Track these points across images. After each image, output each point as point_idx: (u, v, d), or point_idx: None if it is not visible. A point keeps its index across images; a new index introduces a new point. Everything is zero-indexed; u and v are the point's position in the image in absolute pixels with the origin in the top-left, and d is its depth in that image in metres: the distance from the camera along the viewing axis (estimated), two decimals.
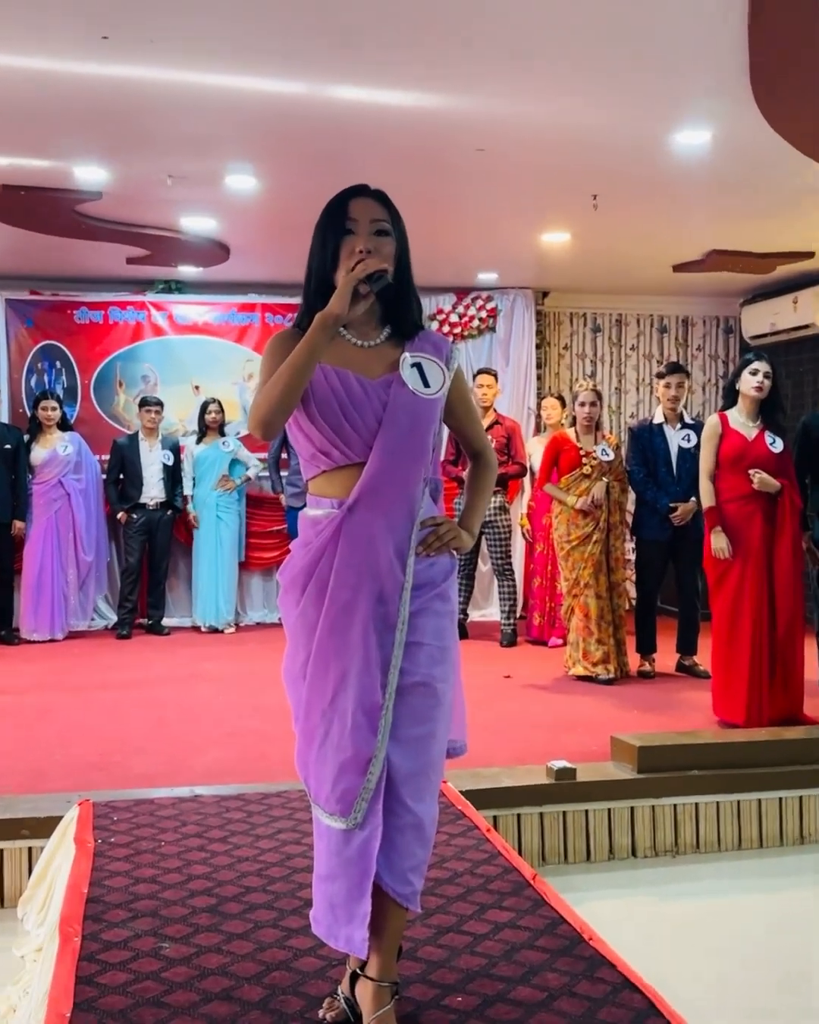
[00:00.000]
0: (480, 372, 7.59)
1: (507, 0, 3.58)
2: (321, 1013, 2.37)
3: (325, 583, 2.28)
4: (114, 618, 8.23)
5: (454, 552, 2.38)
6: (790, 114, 4.56)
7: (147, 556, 8.15)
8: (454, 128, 4.91)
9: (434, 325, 8.62)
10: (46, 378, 8.44)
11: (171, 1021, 2.35)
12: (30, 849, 3.68)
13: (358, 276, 2.21)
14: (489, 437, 7.55)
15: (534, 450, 7.56)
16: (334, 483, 2.32)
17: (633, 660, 6.45)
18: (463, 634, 7.30)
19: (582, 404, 6.37)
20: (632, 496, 6.58)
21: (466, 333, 8.93)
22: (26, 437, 7.84)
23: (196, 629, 8.26)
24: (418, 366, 2.32)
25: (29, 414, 8.02)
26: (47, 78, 4.36)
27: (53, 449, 7.80)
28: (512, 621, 7.53)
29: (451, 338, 8.68)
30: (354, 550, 2.26)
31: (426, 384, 2.32)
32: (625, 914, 3.60)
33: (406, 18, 3.73)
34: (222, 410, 8.23)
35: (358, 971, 2.36)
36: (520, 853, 3.79)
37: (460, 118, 4.79)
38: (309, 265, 2.35)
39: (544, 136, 4.98)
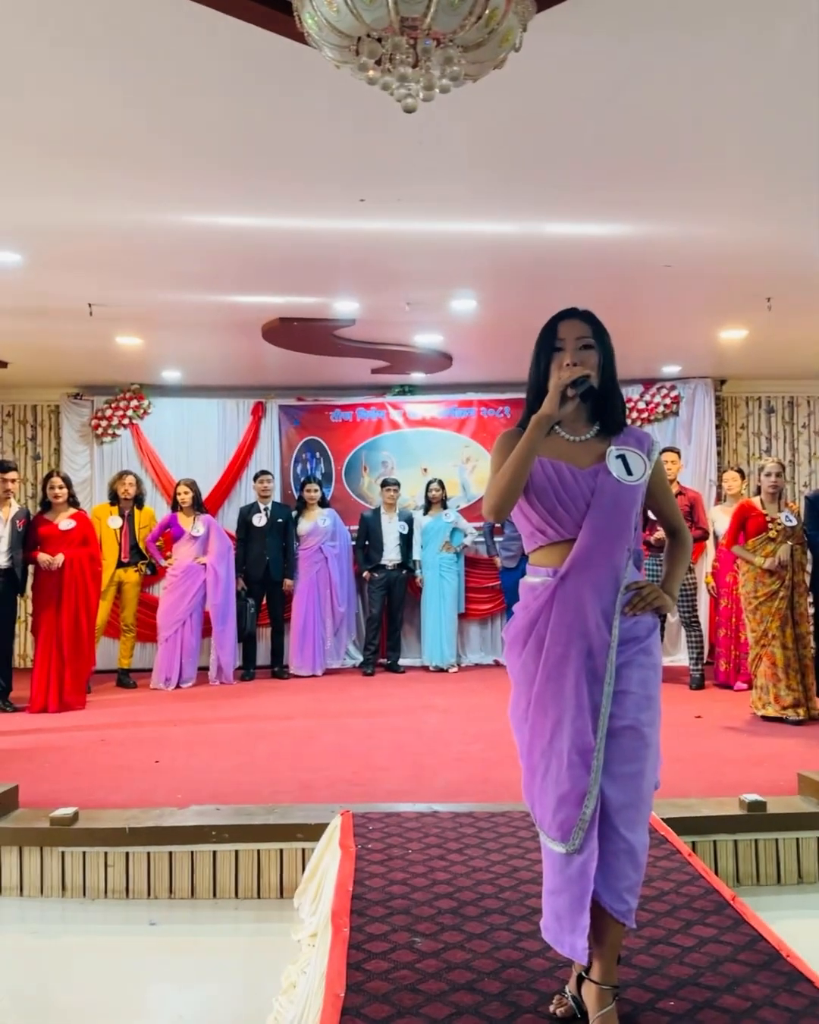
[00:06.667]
0: (665, 450, 7.27)
1: (692, 138, 3.50)
2: (552, 1008, 2.30)
3: (542, 640, 2.25)
4: (361, 658, 8.22)
5: (657, 612, 2.29)
6: None
7: (386, 608, 8.10)
8: (645, 249, 4.79)
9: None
10: (309, 466, 8.52)
11: (425, 1006, 2.33)
12: (303, 850, 3.70)
13: (565, 381, 2.21)
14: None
15: (716, 517, 7.24)
16: (550, 555, 2.28)
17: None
18: None
19: (769, 474, 6.00)
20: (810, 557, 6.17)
21: (652, 418, 8.53)
22: (294, 513, 7.92)
23: (425, 668, 8.12)
24: (622, 457, 2.27)
25: (297, 495, 8.14)
26: (315, 235, 4.45)
27: (315, 522, 7.85)
28: (700, 666, 7.13)
29: (638, 423, 8.38)
30: (566, 612, 2.22)
31: (629, 472, 2.26)
32: (815, 934, 3.31)
33: (607, 159, 3.68)
34: (443, 488, 8.20)
35: (584, 973, 2.29)
36: (717, 875, 3.54)
37: (651, 240, 4.66)
38: (529, 377, 2.35)
39: (723, 249, 4.81)
